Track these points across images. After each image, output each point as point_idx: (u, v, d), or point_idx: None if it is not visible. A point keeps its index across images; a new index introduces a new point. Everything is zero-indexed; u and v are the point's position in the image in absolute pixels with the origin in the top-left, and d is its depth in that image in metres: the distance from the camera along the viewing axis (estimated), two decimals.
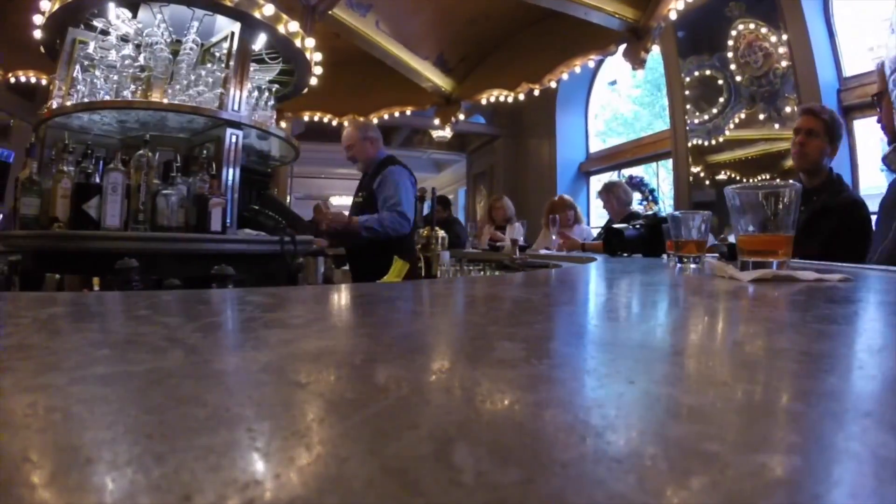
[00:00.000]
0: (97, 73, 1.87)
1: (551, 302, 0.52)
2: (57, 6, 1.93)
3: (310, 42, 2.30)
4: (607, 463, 0.12)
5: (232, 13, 1.94)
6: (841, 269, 0.85)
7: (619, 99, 7.24)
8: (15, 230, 1.79)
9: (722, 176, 4.36)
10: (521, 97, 4.67)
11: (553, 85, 4.48)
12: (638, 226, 1.84)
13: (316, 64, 2.48)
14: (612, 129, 6.97)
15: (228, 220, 1.80)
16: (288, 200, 6.66)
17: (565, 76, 4.29)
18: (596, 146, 6.57)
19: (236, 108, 1.90)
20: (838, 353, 0.26)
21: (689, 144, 4.61)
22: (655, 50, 4.57)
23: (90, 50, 1.91)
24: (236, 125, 1.87)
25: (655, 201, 4.82)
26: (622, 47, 3.81)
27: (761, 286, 0.59)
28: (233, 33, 1.96)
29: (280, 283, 1.83)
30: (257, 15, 1.97)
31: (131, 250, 1.60)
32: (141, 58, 1.86)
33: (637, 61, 3.73)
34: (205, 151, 1.88)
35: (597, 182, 6.29)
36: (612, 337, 0.31)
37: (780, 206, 0.71)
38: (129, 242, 1.64)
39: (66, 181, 1.73)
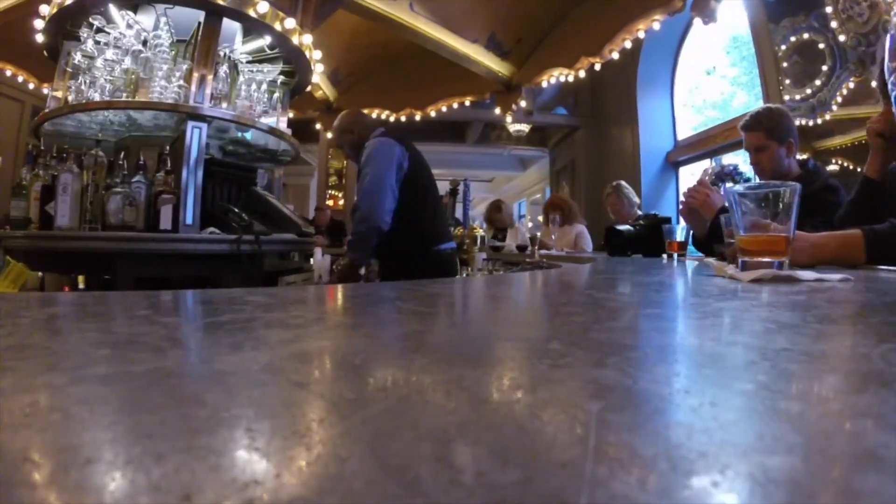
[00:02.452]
0: (84, 78, 1.89)
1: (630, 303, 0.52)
2: (55, 10, 1.94)
3: (307, 39, 2.29)
4: None
5: (231, 14, 1.93)
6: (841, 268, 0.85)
7: (712, 80, 6.10)
8: None
9: (833, 166, 3.66)
10: (582, 74, 4.25)
11: (615, 56, 3.92)
12: (638, 226, 1.85)
13: (317, 62, 2.47)
14: (708, 118, 5.78)
15: (190, 219, 1.72)
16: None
17: (628, 44, 3.80)
18: (685, 133, 5.69)
19: (200, 100, 1.82)
20: None
21: None
22: (744, 18, 4.08)
23: (77, 59, 1.92)
24: (199, 118, 1.78)
25: None
26: (689, 1, 3.27)
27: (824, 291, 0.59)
28: (199, 23, 1.88)
29: (239, 284, 1.75)
30: (251, 13, 1.95)
31: (76, 249, 1.62)
32: (126, 60, 1.86)
33: (707, 13, 3.19)
34: (167, 148, 1.85)
35: (687, 174, 5.52)
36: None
37: (780, 207, 0.71)
38: (75, 242, 1.66)
39: (38, 184, 1.78)
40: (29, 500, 0.11)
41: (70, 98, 1.89)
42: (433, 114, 5.54)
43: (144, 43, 1.89)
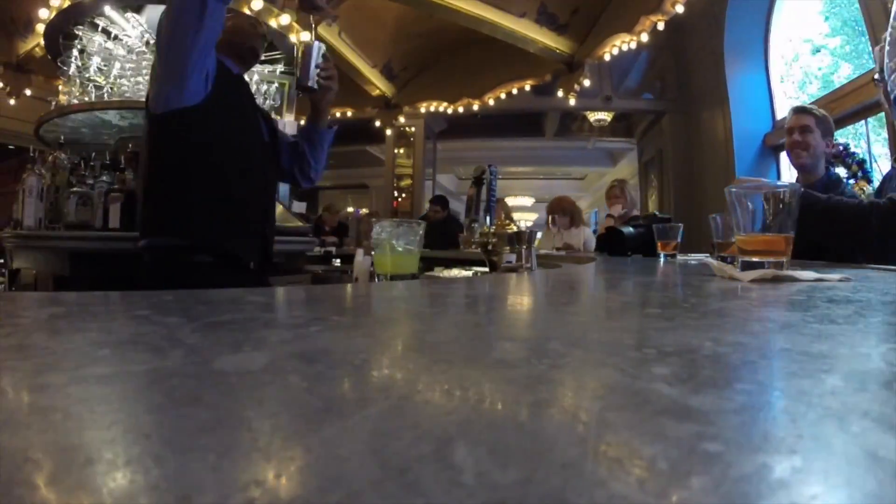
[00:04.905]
0: (77, 81, 1.92)
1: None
2: (53, 14, 1.96)
3: (305, 36, 2.29)
4: None
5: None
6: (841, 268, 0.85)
7: (811, 50, 5.03)
8: None
9: None
10: (645, 38, 3.82)
11: (680, 9, 3.46)
12: (637, 225, 1.85)
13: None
14: (811, 96, 4.70)
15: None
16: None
17: None
18: (785, 112, 4.60)
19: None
20: None
21: None
22: None
23: (71, 64, 1.95)
24: None
25: (868, 178, 3.16)
26: None
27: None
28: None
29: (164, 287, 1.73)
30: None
31: (32, 247, 1.69)
32: (117, 64, 1.89)
33: None
34: (129, 145, 1.86)
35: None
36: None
37: (781, 207, 0.71)
38: (29, 241, 1.75)
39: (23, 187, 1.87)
40: (29, 500, 0.11)
41: (66, 100, 1.90)
42: (491, 102, 5.10)
43: (147, 44, 1.90)
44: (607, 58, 4.20)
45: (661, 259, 1.52)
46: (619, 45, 3.94)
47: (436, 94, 5.42)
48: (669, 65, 5.29)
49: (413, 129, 6.06)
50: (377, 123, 5.89)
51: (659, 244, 1.55)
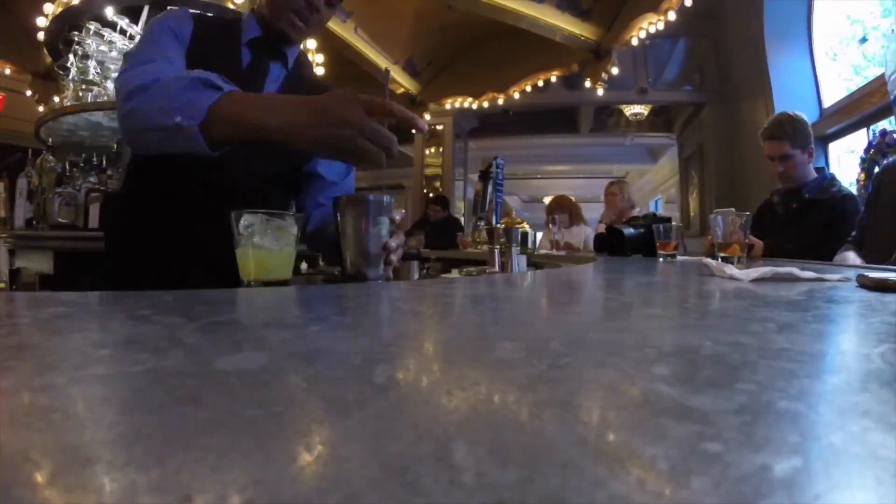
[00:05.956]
0: (70, 86, 1.95)
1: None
2: (54, 17, 1.98)
3: (311, 43, 2.30)
4: None
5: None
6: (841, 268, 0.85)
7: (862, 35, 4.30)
8: None
9: None
10: (672, 16, 3.52)
11: None
12: (637, 225, 1.85)
13: (318, 65, 2.47)
14: (866, 80, 4.02)
15: None
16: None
17: None
18: (831, 99, 4.12)
19: None
20: None
21: None
22: None
23: (70, 69, 1.97)
24: None
25: None
26: None
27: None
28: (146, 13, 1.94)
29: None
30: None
31: (21, 247, 1.74)
32: (112, 66, 1.91)
33: None
34: (114, 146, 1.91)
35: (840, 149, 4.03)
36: None
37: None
38: (18, 241, 1.79)
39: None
40: (29, 500, 0.11)
41: (67, 101, 1.91)
42: (517, 95, 4.91)
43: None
44: (635, 42, 3.98)
45: (661, 260, 1.52)
46: (647, 27, 3.72)
47: (461, 90, 5.24)
48: (708, 54, 5.00)
49: (441, 127, 5.85)
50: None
51: (658, 244, 1.55)
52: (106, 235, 1.06)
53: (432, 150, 5.97)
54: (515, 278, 0.96)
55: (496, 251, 1.12)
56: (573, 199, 3.59)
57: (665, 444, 0.14)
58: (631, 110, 5.68)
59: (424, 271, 1.97)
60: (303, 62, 1.04)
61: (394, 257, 0.77)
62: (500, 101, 5.09)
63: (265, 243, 0.69)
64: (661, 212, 8.62)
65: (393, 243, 0.76)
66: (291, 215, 0.73)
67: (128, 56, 0.87)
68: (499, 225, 1.26)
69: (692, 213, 5.42)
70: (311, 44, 2.31)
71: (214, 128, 0.69)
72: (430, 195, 5.72)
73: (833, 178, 1.83)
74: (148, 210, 0.89)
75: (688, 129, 5.82)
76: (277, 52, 0.95)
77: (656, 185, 8.72)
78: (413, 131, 0.70)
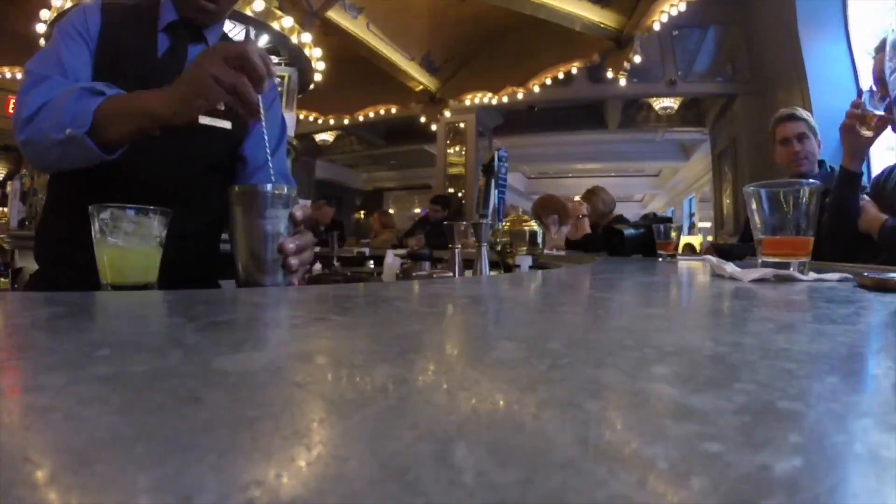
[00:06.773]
0: None
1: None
2: (50, 22, 2.02)
3: (306, 37, 2.30)
4: None
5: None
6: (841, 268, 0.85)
7: None
8: None
9: None
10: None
11: None
12: (638, 225, 1.85)
13: (317, 60, 2.47)
14: None
15: None
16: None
17: None
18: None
19: None
20: None
21: None
22: None
23: None
24: None
25: None
26: None
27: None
28: None
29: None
30: (248, 12, 1.98)
31: (21, 247, 1.83)
32: None
33: None
34: None
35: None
36: None
37: (802, 207, 0.68)
38: (16, 241, 1.87)
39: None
40: (29, 500, 0.11)
41: None
42: (536, 89, 4.75)
43: None
44: (657, 27, 3.83)
45: (660, 259, 1.52)
46: (668, 9, 3.58)
47: (481, 86, 5.08)
48: (739, 43, 4.75)
49: (463, 125, 5.64)
50: (422, 119, 5.51)
51: (658, 244, 1.55)
52: (35, 252, 0.97)
53: (456, 148, 5.71)
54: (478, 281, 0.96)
55: (456, 251, 1.06)
56: (559, 197, 3.53)
57: (665, 444, 0.14)
58: (660, 104, 5.42)
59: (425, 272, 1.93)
60: (228, 41, 1.00)
61: (294, 261, 0.65)
62: (521, 96, 4.92)
63: (120, 241, 0.60)
64: (693, 211, 8.21)
65: (291, 245, 0.64)
66: (156, 211, 0.62)
67: (26, 73, 0.81)
68: (502, 223, 1.19)
69: (725, 213, 5.18)
70: (311, 45, 2.31)
71: (103, 130, 0.69)
72: (457, 194, 5.56)
73: (832, 173, 1.84)
74: (70, 220, 0.81)
75: (720, 123, 5.51)
76: (197, 35, 0.92)
77: (689, 184, 8.42)
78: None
